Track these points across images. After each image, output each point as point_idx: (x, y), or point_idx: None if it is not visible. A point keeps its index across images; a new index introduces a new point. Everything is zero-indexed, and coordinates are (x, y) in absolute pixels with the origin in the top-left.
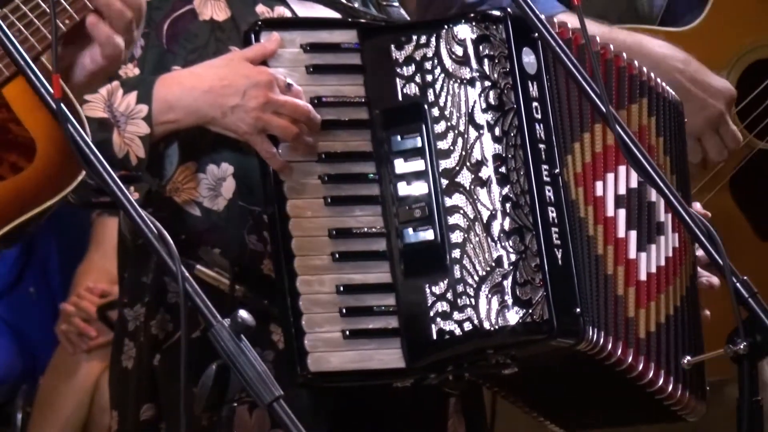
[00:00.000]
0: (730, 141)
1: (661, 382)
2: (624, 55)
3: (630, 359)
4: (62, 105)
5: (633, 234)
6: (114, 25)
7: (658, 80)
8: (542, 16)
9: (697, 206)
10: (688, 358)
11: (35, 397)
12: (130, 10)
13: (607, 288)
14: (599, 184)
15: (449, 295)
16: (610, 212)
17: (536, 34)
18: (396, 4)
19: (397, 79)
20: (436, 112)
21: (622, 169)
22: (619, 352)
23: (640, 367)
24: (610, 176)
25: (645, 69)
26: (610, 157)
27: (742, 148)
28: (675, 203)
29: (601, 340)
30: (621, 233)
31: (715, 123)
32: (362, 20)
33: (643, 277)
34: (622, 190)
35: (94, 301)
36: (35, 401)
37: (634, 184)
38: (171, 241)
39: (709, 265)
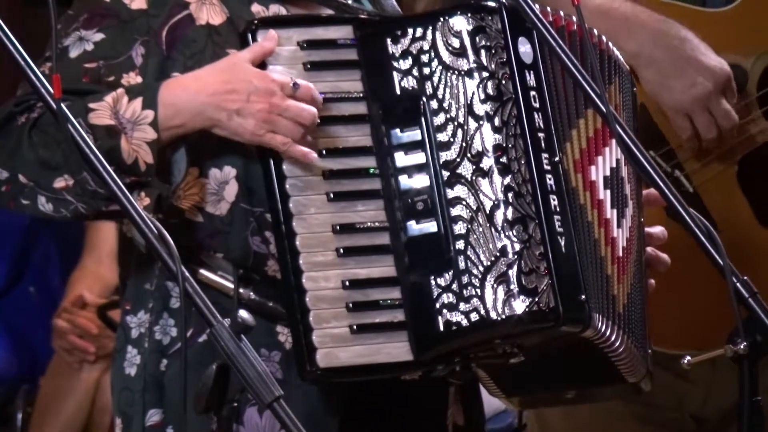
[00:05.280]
0: (722, 119)
1: (623, 348)
2: (604, 38)
3: (613, 336)
4: (62, 105)
5: (614, 213)
6: None
7: (614, 50)
8: (537, 10)
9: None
10: (688, 358)
11: (36, 398)
12: None
13: (601, 270)
14: (593, 169)
15: (455, 287)
16: (601, 195)
17: (534, 32)
18: None
19: (395, 73)
20: (434, 104)
21: (606, 150)
22: (608, 331)
23: (618, 342)
24: (600, 159)
25: (610, 44)
26: (599, 140)
27: (756, 135)
28: (674, 203)
29: (603, 326)
30: (608, 214)
31: (703, 101)
32: (357, 16)
33: (620, 253)
34: (608, 171)
35: (89, 317)
36: (36, 401)
37: (614, 163)
38: (171, 241)
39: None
